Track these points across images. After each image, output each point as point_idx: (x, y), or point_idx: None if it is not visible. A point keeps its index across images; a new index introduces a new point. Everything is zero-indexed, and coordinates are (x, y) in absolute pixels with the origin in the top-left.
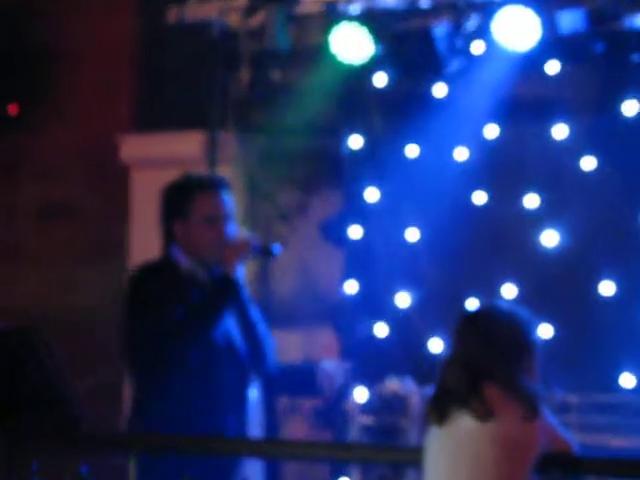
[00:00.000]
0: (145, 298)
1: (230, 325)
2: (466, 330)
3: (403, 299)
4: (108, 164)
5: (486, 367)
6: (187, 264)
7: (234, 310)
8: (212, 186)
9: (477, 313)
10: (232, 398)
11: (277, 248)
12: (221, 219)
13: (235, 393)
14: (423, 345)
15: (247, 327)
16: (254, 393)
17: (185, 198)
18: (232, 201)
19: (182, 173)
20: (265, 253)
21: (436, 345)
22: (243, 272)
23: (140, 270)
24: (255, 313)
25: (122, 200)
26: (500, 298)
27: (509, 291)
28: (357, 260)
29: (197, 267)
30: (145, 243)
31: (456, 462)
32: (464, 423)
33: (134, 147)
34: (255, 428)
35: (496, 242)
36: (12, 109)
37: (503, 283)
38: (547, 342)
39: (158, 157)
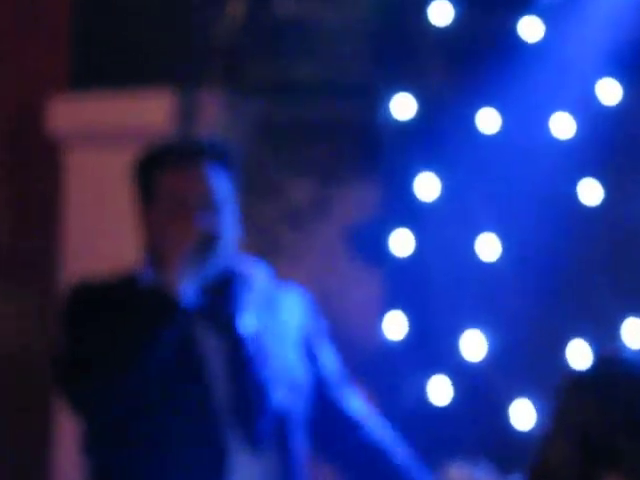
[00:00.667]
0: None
1: (214, 362)
2: (578, 393)
3: (474, 344)
4: (29, 139)
5: (609, 446)
6: (149, 279)
7: (220, 342)
8: (186, 154)
9: (593, 368)
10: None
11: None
12: (194, 203)
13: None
14: (505, 414)
15: (235, 369)
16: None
17: (148, 178)
18: (225, 179)
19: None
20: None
21: (524, 414)
22: (265, 272)
23: (77, 285)
24: (254, 347)
25: (50, 192)
26: (625, 344)
27: (636, 333)
28: (404, 285)
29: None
30: (84, 255)
31: None
32: None
33: (69, 113)
34: None
35: (615, 258)
36: None
37: (627, 320)
38: None
39: (105, 128)
